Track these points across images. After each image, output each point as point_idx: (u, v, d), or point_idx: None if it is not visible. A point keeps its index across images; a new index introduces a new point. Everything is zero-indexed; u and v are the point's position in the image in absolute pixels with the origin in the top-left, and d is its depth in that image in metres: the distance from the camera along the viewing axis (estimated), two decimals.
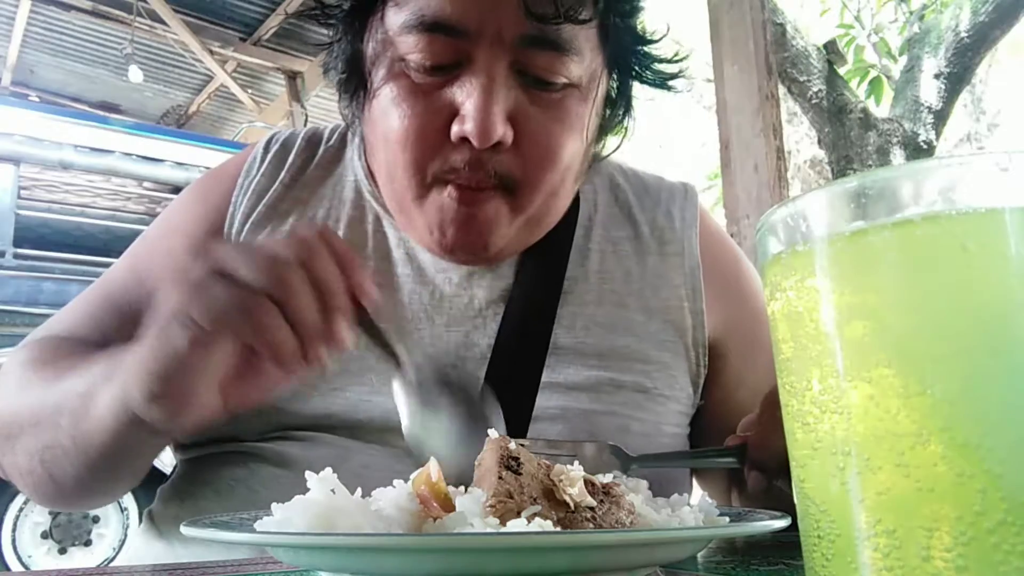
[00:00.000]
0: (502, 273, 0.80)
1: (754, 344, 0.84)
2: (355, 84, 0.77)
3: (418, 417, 0.57)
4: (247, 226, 0.81)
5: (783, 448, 0.62)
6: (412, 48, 0.69)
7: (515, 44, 0.68)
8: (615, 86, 0.79)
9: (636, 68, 0.80)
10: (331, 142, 0.89)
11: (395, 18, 0.70)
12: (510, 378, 0.74)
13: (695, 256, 0.85)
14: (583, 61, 0.71)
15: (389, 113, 0.71)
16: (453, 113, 0.68)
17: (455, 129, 0.68)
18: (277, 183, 0.83)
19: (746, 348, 0.84)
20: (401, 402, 0.58)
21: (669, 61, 0.81)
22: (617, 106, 0.81)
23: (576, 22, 0.68)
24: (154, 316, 0.54)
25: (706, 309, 0.83)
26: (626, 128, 0.84)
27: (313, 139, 0.89)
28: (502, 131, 0.67)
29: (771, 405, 0.62)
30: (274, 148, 0.87)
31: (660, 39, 0.80)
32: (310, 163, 0.86)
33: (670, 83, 0.82)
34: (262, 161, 0.85)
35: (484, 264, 0.79)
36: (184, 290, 0.52)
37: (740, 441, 0.65)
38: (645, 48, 0.79)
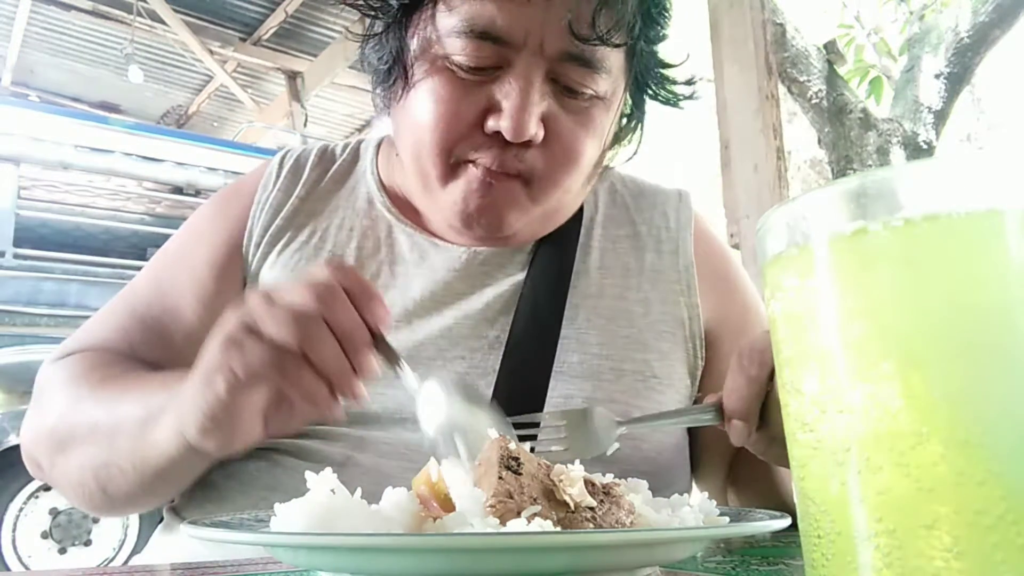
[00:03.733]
0: (510, 271, 0.85)
1: (744, 335, 0.87)
2: (396, 74, 0.81)
3: (438, 424, 0.59)
4: (265, 238, 0.86)
5: (754, 395, 0.64)
6: (458, 50, 0.74)
7: (554, 57, 0.74)
8: (632, 101, 0.86)
9: (654, 87, 0.86)
10: (344, 156, 0.94)
11: (445, 21, 0.75)
12: (523, 368, 0.78)
13: (689, 254, 0.90)
14: (610, 77, 0.77)
15: (426, 100, 0.76)
16: (488, 108, 0.74)
17: (491, 123, 0.74)
18: (293, 197, 0.89)
19: (737, 339, 0.87)
20: (423, 413, 0.60)
21: (685, 83, 0.87)
22: (632, 119, 0.87)
23: (612, 45, 0.74)
24: (199, 360, 0.60)
25: (700, 303, 0.87)
26: (639, 140, 0.90)
27: (326, 154, 0.94)
28: (535, 130, 0.74)
29: (739, 357, 0.66)
30: (288, 163, 0.92)
31: (680, 63, 0.86)
32: (324, 177, 0.91)
33: (681, 104, 0.88)
34: (277, 176, 0.91)
35: (499, 244, 0.84)
36: (221, 344, 0.57)
37: (717, 398, 0.68)
38: (665, 71, 0.85)
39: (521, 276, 0.84)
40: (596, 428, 0.67)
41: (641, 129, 0.89)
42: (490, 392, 0.77)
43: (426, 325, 0.80)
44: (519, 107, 0.72)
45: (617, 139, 0.87)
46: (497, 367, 0.78)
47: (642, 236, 0.91)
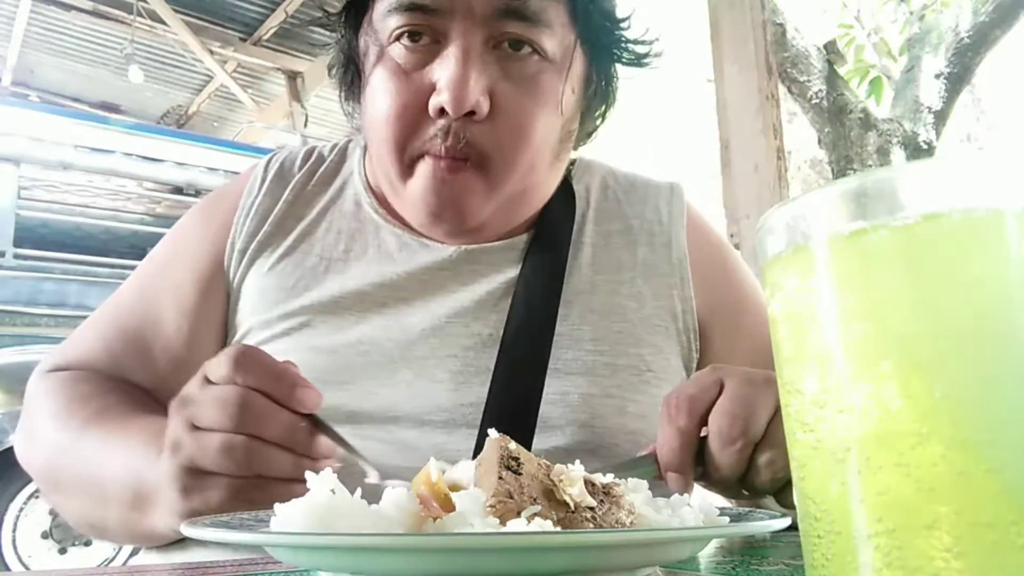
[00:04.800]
0: (503, 269, 0.84)
1: (737, 329, 0.88)
2: (351, 78, 0.83)
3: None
4: (253, 244, 0.85)
5: (684, 446, 0.63)
6: (393, 27, 0.75)
7: (488, 18, 0.73)
8: (591, 64, 0.84)
9: (609, 46, 0.84)
10: (331, 158, 0.93)
11: (380, 6, 0.76)
12: (517, 366, 0.78)
13: (682, 248, 0.90)
14: (554, 35, 0.76)
15: (376, 97, 0.77)
16: (432, 90, 0.74)
17: (433, 101, 0.73)
18: (280, 201, 0.88)
19: (729, 333, 0.88)
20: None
21: (641, 42, 0.85)
22: (596, 84, 0.85)
23: None
24: (161, 467, 0.59)
25: (693, 294, 0.87)
26: (609, 106, 0.88)
27: (312, 157, 0.94)
28: (475, 98, 0.72)
29: (667, 407, 0.64)
30: (274, 168, 0.91)
31: (628, 17, 0.84)
32: (311, 180, 0.91)
33: (645, 61, 0.86)
34: (263, 181, 0.90)
35: (471, 238, 0.83)
36: (175, 488, 0.57)
37: (652, 449, 0.66)
38: (616, 27, 0.83)
39: (513, 273, 0.84)
40: None
41: (610, 94, 0.87)
42: (485, 390, 0.76)
43: (418, 324, 0.79)
44: (456, 76, 0.71)
45: (583, 116, 0.85)
46: (492, 365, 0.78)
47: (634, 231, 0.91)
